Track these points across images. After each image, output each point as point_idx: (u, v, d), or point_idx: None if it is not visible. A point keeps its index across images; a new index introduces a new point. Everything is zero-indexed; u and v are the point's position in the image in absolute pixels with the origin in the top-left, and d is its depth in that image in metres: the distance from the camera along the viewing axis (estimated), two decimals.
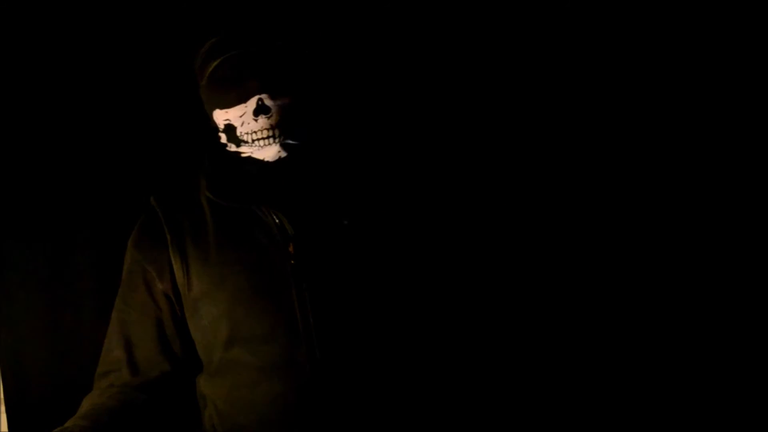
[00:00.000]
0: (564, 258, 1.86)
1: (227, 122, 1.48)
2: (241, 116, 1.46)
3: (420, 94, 1.89)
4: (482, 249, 1.74)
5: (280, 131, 1.46)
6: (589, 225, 1.87)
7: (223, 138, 1.51)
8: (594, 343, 1.85)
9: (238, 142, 1.49)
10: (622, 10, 1.86)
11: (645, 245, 1.87)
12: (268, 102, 1.45)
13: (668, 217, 1.88)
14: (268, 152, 1.48)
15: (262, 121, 1.45)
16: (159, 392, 1.56)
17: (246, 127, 1.47)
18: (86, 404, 1.54)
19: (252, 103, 1.45)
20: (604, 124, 1.89)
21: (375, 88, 1.89)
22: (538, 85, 1.88)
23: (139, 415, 1.53)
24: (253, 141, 1.47)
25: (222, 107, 1.47)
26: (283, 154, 1.49)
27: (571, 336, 1.84)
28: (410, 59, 1.89)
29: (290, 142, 1.48)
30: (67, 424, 1.48)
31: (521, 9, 1.87)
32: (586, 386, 1.84)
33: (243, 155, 1.51)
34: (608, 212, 1.88)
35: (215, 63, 1.44)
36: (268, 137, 1.46)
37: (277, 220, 1.48)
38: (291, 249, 1.46)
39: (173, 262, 1.53)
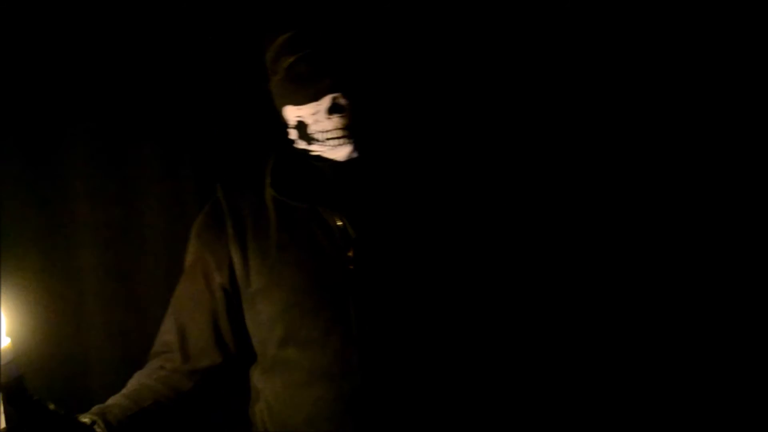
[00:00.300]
0: (589, 262, 1.87)
1: (299, 119, 1.47)
2: (314, 114, 1.44)
3: (482, 100, 1.89)
4: (540, 259, 1.72)
5: (352, 131, 1.44)
6: (604, 226, 1.89)
7: (293, 134, 1.50)
8: (614, 344, 1.86)
9: (309, 139, 1.47)
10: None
11: (657, 246, 1.88)
12: (342, 101, 1.43)
13: (672, 217, 1.89)
14: (340, 152, 1.47)
15: (336, 120, 1.43)
16: (207, 382, 1.56)
17: (318, 126, 1.45)
18: (134, 382, 1.55)
19: (326, 101, 1.43)
20: (608, 124, 1.90)
21: (442, 93, 1.89)
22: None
23: (183, 402, 1.54)
24: (325, 140, 1.45)
25: (295, 104, 1.46)
26: (355, 154, 1.47)
27: (596, 338, 1.85)
28: (470, 65, 1.89)
29: (362, 142, 1.46)
30: (110, 401, 1.49)
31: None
32: (608, 386, 1.86)
33: (313, 153, 1.49)
34: (615, 213, 1.89)
35: (291, 59, 1.42)
36: (341, 137, 1.44)
37: (339, 223, 1.47)
38: (351, 253, 1.45)
39: (233, 256, 1.52)
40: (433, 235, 1.47)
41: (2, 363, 1.25)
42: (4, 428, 1.29)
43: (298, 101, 1.45)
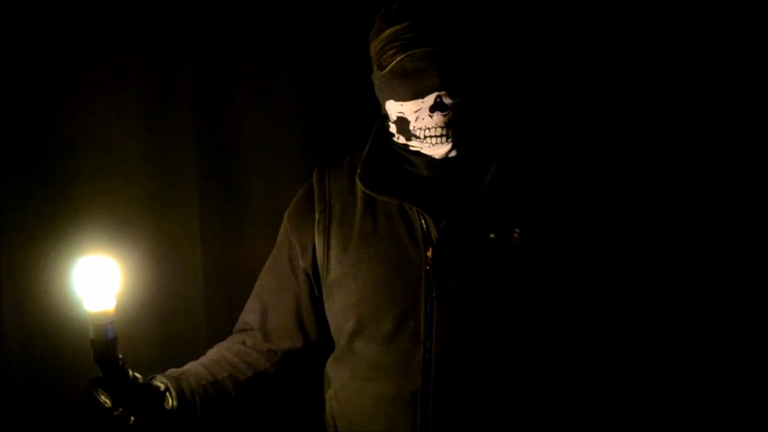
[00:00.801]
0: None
1: (401, 114, 1.46)
2: (416, 111, 1.44)
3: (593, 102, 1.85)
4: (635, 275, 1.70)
5: (453, 131, 1.44)
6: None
7: (393, 128, 1.50)
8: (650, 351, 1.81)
9: (409, 135, 1.47)
10: None
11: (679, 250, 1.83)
12: (446, 100, 1.42)
13: (680, 219, 1.85)
14: (439, 150, 1.46)
15: (438, 118, 1.43)
16: (285, 366, 1.58)
17: (420, 123, 1.44)
18: (214, 352, 1.57)
19: (430, 99, 1.42)
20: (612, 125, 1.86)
21: (543, 98, 1.86)
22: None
23: (259, 381, 1.55)
24: (425, 137, 1.45)
25: (398, 99, 1.45)
26: (453, 153, 1.46)
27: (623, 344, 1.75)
28: (584, 65, 1.85)
29: (461, 142, 1.46)
30: (186, 367, 1.51)
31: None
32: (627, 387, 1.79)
33: (411, 149, 1.49)
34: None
35: (399, 57, 1.41)
36: (441, 135, 1.44)
37: (423, 222, 1.46)
38: (430, 254, 1.44)
39: (317, 243, 1.53)
40: (514, 247, 1.44)
41: (102, 323, 1.30)
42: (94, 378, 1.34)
43: (402, 97, 1.44)
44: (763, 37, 1.79)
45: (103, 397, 1.32)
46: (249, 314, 1.61)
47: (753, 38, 1.80)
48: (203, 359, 1.55)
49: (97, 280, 1.31)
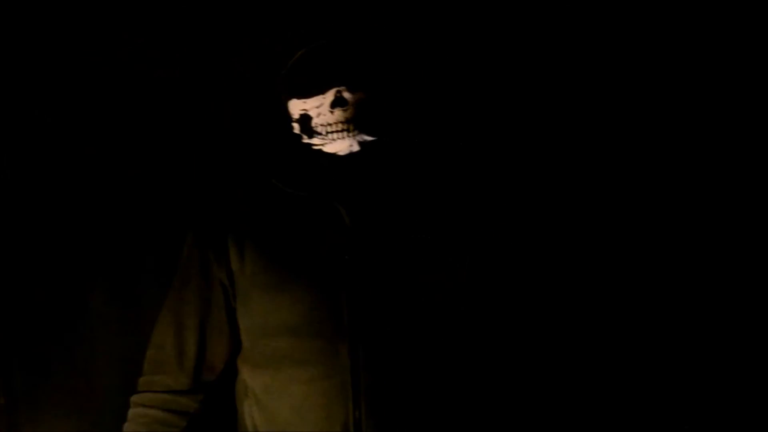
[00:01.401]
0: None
1: (303, 112, 1.49)
2: (318, 107, 1.47)
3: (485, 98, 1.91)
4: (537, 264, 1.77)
5: (354, 125, 1.47)
6: (600, 224, 1.90)
7: (297, 128, 1.52)
8: (608, 343, 1.88)
9: (312, 133, 1.49)
10: None
11: (657, 247, 1.90)
12: (346, 95, 1.45)
13: (672, 218, 1.90)
14: (341, 145, 1.48)
15: (338, 113, 1.46)
16: (208, 390, 1.56)
17: (321, 119, 1.47)
18: (139, 413, 1.55)
19: (330, 95, 1.45)
20: (606, 124, 1.92)
21: (444, 90, 1.92)
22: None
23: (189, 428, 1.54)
24: (327, 133, 1.47)
25: (300, 97, 1.48)
26: (355, 148, 1.49)
27: (589, 335, 1.87)
28: (472, 63, 1.91)
29: (363, 137, 1.48)
30: None
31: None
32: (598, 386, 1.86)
33: (314, 147, 1.51)
34: (614, 213, 1.91)
35: (299, 53, 1.46)
36: (342, 130, 1.47)
37: (339, 213, 1.49)
38: (346, 244, 1.47)
39: (230, 246, 1.52)
40: (428, 230, 1.49)
41: None
42: None
43: (304, 94, 1.47)
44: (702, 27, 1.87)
45: None
46: (160, 353, 1.55)
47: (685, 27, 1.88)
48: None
49: None
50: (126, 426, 1.55)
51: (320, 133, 1.48)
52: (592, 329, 1.85)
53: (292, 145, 1.54)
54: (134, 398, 1.56)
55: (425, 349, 1.47)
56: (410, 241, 1.47)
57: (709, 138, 1.89)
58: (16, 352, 1.85)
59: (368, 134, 1.49)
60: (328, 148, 1.49)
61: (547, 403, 1.70)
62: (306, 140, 1.51)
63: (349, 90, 1.45)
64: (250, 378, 1.55)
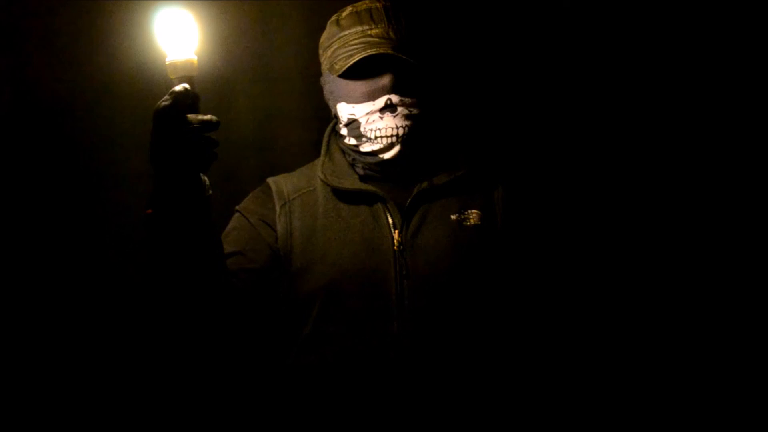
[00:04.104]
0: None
1: (352, 117, 1.50)
2: (367, 113, 1.48)
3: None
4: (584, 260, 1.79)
5: (403, 132, 1.48)
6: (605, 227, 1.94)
7: (344, 131, 1.53)
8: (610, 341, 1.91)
9: (360, 137, 1.51)
10: None
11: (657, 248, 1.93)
12: (396, 101, 1.46)
13: (670, 219, 1.93)
14: (389, 152, 1.50)
15: (388, 119, 1.47)
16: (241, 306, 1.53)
17: (371, 125, 1.48)
18: None
19: (380, 102, 1.47)
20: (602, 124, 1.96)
21: (492, 99, 1.95)
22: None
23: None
24: (375, 138, 1.49)
25: (349, 102, 1.49)
26: (403, 154, 1.50)
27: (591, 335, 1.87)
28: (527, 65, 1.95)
29: (411, 143, 1.49)
30: None
31: None
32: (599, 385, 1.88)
33: (362, 150, 1.52)
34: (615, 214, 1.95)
35: (352, 60, 1.44)
36: (391, 136, 1.48)
37: (386, 208, 1.50)
38: (396, 235, 1.49)
39: (278, 234, 1.53)
40: (472, 228, 1.50)
41: (186, 74, 1.27)
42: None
43: (353, 99, 1.49)
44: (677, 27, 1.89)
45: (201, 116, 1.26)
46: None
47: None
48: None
49: (179, 31, 1.29)
50: None
51: (369, 138, 1.49)
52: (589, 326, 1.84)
53: (338, 143, 1.57)
54: None
55: (468, 340, 1.48)
56: (455, 236, 1.49)
57: (722, 139, 1.91)
58: None
59: (417, 141, 1.50)
60: (377, 152, 1.51)
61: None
62: (353, 142, 1.53)
63: (399, 97, 1.46)
64: (297, 365, 1.54)
